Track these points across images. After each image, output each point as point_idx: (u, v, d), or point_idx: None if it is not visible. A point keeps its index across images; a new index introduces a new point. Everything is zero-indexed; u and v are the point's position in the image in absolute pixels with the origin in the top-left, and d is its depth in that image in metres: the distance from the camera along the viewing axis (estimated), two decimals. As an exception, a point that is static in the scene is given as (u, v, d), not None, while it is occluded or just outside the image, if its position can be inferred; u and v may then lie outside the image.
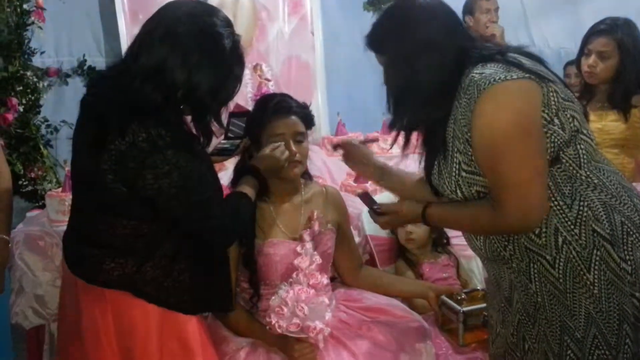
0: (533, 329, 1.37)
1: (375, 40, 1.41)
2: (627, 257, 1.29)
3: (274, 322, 1.62)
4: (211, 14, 1.45)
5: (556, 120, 1.26)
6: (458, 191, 1.34)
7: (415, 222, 1.62)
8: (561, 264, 1.30)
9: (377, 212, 1.61)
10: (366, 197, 1.66)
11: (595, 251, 1.28)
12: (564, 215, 1.29)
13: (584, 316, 1.30)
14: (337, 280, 2.04)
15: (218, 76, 1.43)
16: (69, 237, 1.56)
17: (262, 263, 1.79)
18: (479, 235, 1.41)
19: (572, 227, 1.28)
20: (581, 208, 1.28)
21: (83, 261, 1.47)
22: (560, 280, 1.30)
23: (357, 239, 2.16)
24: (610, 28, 2.47)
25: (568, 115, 1.28)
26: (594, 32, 2.51)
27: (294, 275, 1.71)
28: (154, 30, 1.41)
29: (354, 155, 1.79)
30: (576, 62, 2.62)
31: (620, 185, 1.33)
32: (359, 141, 1.80)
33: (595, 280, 1.28)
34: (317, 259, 1.75)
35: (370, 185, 2.33)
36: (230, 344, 1.73)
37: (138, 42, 1.43)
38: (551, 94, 1.27)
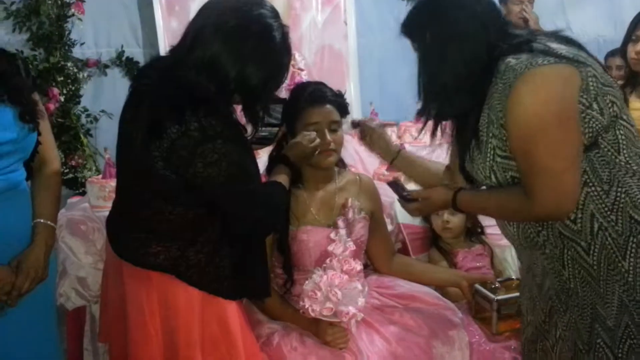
0: (565, 315, 1.36)
1: (409, 27, 1.41)
2: None
3: (307, 306, 1.64)
4: (259, 5, 1.47)
5: (595, 105, 1.24)
6: (492, 177, 1.33)
7: (445, 209, 1.63)
8: (596, 250, 1.28)
9: (407, 198, 1.61)
10: (396, 185, 1.67)
11: (631, 238, 1.26)
12: (600, 201, 1.26)
13: (617, 304, 1.28)
14: (370, 267, 2.05)
15: (268, 68, 1.46)
16: (114, 222, 1.61)
17: (296, 249, 1.82)
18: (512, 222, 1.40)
19: (609, 213, 1.26)
20: (619, 194, 1.26)
21: (129, 245, 1.51)
22: (595, 267, 1.29)
23: (389, 227, 2.17)
24: None
25: (607, 101, 1.26)
26: None
27: (328, 261, 1.73)
28: (205, 25, 1.44)
29: (371, 135, 1.81)
30: (621, 49, 2.55)
31: None
32: (377, 124, 1.81)
33: (631, 268, 1.26)
34: (351, 246, 1.77)
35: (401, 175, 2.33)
36: (264, 327, 1.76)
37: (191, 36, 1.45)
38: (590, 78, 1.24)
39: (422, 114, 1.41)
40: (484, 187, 1.41)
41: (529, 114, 1.22)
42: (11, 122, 1.58)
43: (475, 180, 1.41)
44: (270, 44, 1.45)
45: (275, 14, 1.48)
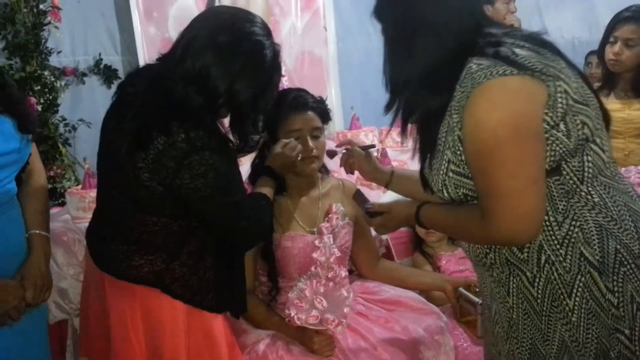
0: (505, 344, 1.27)
1: (378, 7, 1.27)
2: (615, 288, 1.15)
3: (292, 314, 1.63)
4: (252, 22, 1.47)
5: (562, 126, 1.12)
6: (444, 191, 1.21)
7: (409, 224, 1.50)
8: (541, 283, 1.18)
9: (369, 212, 1.52)
10: (359, 197, 1.61)
11: (579, 277, 1.15)
12: (551, 232, 1.16)
13: (558, 343, 1.19)
14: (355, 273, 2.05)
15: (258, 86, 1.46)
16: (95, 233, 1.59)
17: (280, 256, 1.81)
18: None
19: (559, 247, 1.16)
20: (572, 228, 1.15)
21: (111, 257, 1.49)
22: (538, 301, 1.19)
23: (373, 232, 2.17)
24: (637, 15, 2.45)
25: (577, 121, 1.13)
26: (620, 19, 2.49)
27: (313, 268, 1.73)
28: (197, 37, 1.43)
29: (359, 163, 1.71)
30: (599, 51, 2.59)
31: (626, 208, 1.18)
32: (359, 146, 1.73)
33: (575, 307, 1.16)
34: (336, 252, 1.76)
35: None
36: (249, 336, 1.75)
37: (182, 48, 1.44)
38: (559, 94, 1.11)
39: (389, 109, 1.28)
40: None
41: (484, 129, 1.10)
42: (12, 132, 1.58)
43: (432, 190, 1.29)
44: (261, 62, 1.45)
45: (267, 31, 1.49)
